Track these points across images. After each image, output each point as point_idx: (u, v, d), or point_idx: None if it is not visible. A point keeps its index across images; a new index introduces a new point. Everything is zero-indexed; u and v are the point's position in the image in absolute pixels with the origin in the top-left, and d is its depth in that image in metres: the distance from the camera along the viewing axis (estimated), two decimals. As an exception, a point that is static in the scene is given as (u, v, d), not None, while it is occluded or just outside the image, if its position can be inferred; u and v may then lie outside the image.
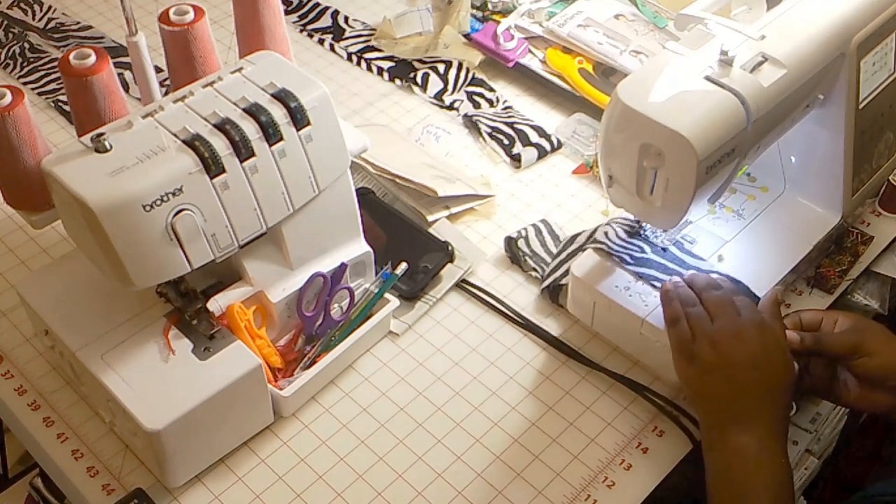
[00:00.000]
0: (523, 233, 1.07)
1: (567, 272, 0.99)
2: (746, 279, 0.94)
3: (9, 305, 1.01)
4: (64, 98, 1.25)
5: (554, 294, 1.01)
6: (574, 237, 1.03)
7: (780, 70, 0.85)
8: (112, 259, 0.77)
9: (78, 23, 1.39)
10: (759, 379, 0.81)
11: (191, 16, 0.88)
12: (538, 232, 1.07)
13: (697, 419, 0.87)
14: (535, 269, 1.04)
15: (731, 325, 0.83)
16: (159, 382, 0.82)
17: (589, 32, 1.27)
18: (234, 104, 0.82)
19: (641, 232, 0.98)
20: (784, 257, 0.99)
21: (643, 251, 0.96)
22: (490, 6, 1.36)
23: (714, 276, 0.91)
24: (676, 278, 0.90)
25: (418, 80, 1.28)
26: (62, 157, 0.78)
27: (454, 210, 1.10)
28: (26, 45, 1.35)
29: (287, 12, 1.40)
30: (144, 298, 0.87)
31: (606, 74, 1.25)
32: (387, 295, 0.96)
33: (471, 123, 1.23)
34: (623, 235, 0.97)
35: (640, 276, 0.94)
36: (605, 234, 0.98)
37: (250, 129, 0.80)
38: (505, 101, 1.27)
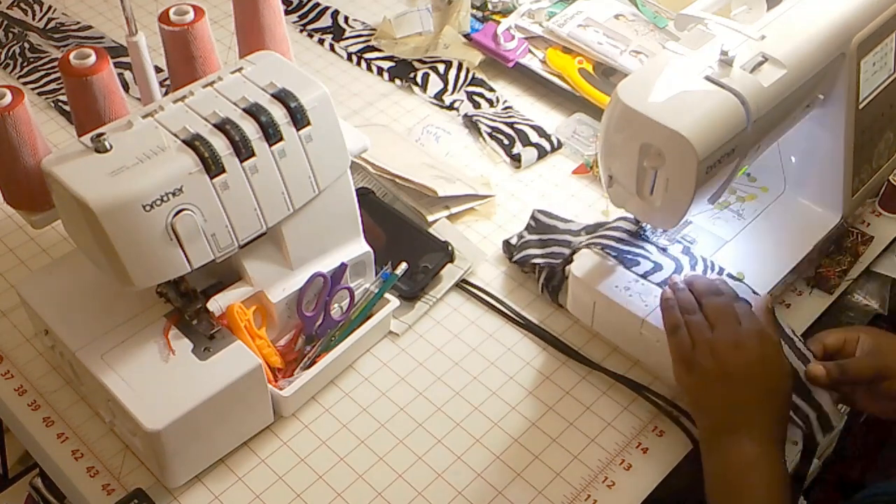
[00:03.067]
0: (521, 237, 1.06)
1: (559, 264, 1.00)
2: (746, 279, 0.94)
3: (9, 305, 1.01)
4: (64, 98, 1.25)
5: (554, 294, 1.01)
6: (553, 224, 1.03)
7: (780, 70, 0.85)
8: (112, 259, 0.77)
9: (78, 23, 1.39)
10: (758, 387, 0.82)
11: (191, 16, 0.88)
12: (531, 229, 1.06)
13: (696, 425, 0.87)
14: (534, 272, 1.03)
15: (731, 333, 0.83)
16: (159, 382, 0.82)
17: (589, 32, 1.27)
18: (234, 104, 0.82)
19: (641, 232, 0.98)
20: (784, 257, 0.99)
21: (643, 252, 0.96)
22: (490, 6, 1.36)
23: (714, 277, 0.91)
24: (677, 279, 0.90)
25: (418, 80, 1.28)
26: (62, 157, 0.78)
27: (454, 210, 1.10)
28: (26, 45, 1.35)
29: (287, 12, 1.40)
30: (144, 298, 0.87)
31: (606, 74, 1.25)
32: (387, 295, 0.96)
33: (471, 123, 1.23)
34: (623, 237, 0.97)
35: (641, 276, 0.94)
36: (603, 237, 0.98)
37: (250, 129, 0.80)
38: (505, 101, 1.27)
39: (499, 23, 1.32)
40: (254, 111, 0.81)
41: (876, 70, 0.97)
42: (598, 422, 0.92)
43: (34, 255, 1.07)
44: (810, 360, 0.88)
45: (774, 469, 0.79)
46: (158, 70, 0.93)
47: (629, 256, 0.95)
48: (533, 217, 1.07)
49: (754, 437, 0.80)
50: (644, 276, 0.94)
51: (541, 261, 1.01)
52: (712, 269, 0.95)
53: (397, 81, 1.30)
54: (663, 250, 0.96)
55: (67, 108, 1.24)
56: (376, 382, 0.96)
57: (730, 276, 0.94)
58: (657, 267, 0.94)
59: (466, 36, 1.32)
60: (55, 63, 1.31)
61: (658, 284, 0.93)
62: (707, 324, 0.85)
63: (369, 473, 0.88)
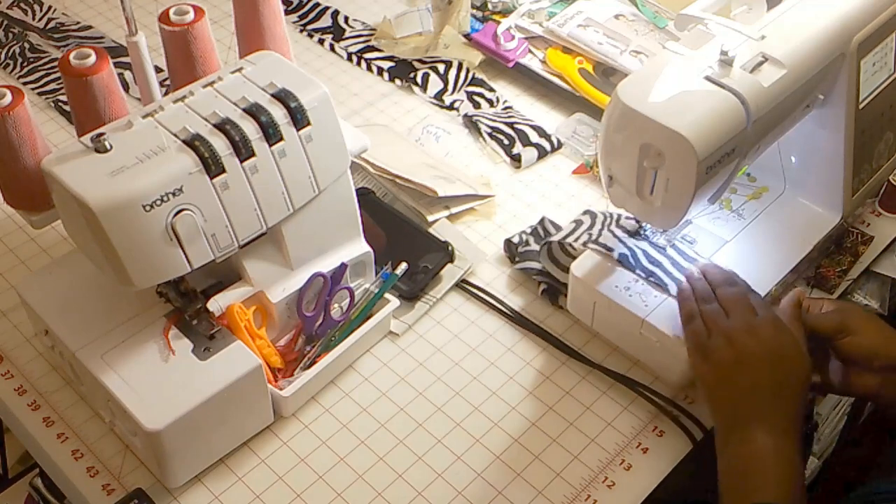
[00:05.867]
0: (523, 237, 1.06)
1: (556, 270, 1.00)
2: (746, 279, 0.94)
3: (9, 305, 1.01)
4: (64, 98, 1.25)
5: (554, 294, 1.01)
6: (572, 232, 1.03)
7: (780, 70, 0.85)
8: (112, 259, 0.77)
9: (78, 23, 1.39)
10: (774, 376, 0.81)
11: (191, 16, 0.88)
12: (538, 237, 1.06)
13: (712, 416, 0.86)
14: (537, 273, 1.03)
15: (747, 321, 0.83)
16: (159, 382, 0.82)
17: (589, 32, 1.27)
18: (234, 104, 0.82)
19: (641, 232, 0.98)
20: (784, 257, 0.99)
21: (644, 252, 0.96)
22: (490, 6, 1.36)
23: (728, 269, 0.91)
24: (694, 270, 0.90)
25: (418, 80, 1.28)
26: (62, 157, 0.78)
27: (454, 210, 1.10)
28: (26, 45, 1.35)
29: (287, 12, 1.40)
30: (144, 298, 0.87)
31: (606, 74, 1.25)
32: (387, 295, 0.96)
33: (471, 123, 1.23)
34: (622, 235, 0.97)
35: (642, 277, 0.93)
36: (603, 234, 0.98)
37: (250, 129, 0.80)
38: (505, 101, 1.27)
39: (499, 23, 1.32)
40: (254, 111, 0.81)
41: (876, 70, 0.97)
42: (598, 422, 0.92)
43: (34, 255, 1.07)
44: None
45: (790, 462, 0.78)
46: (158, 70, 0.93)
47: (630, 257, 0.95)
48: (542, 225, 1.07)
49: (770, 427, 0.79)
50: (648, 276, 0.93)
51: (542, 277, 1.01)
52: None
53: (397, 81, 1.30)
54: (663, 250, 0.96)
55: (67, 108, 1.24)
56: (376, 382, 0.96)
57: None
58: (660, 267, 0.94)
59: (466, 36, 1.32)
60: (55, 63, 1.31)
61: (660, 284, 0.93)
62: (722, 312, 0.85)
63: (369, 473, 0.88)
